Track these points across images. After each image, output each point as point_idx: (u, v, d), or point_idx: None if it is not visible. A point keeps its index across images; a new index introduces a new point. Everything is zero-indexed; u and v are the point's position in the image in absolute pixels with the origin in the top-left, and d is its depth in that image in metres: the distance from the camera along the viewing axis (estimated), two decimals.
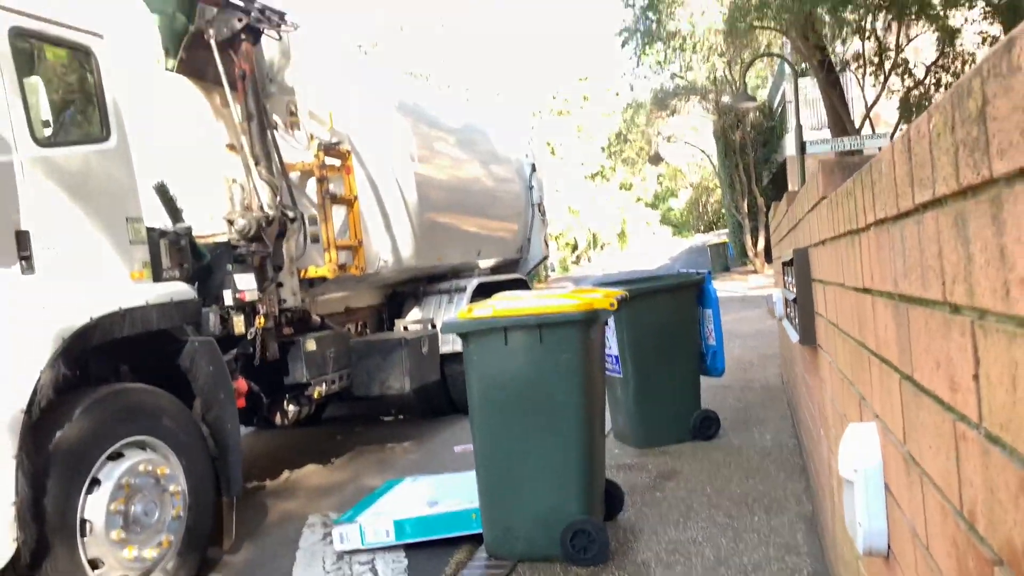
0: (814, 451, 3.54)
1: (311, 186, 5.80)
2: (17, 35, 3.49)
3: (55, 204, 3.53)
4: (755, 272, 24.55)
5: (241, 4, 5.05)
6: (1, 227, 3.28)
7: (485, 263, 8.87)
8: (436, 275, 7.88)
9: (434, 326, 7.04)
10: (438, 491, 4.63)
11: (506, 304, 3.80)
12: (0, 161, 3.31)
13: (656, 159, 33.64)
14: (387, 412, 8.38)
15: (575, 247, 45.35)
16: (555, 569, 3.58)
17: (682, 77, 24.16)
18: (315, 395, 5.71)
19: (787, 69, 18.54)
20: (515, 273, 9.34)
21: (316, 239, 5.71)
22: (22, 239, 3.34)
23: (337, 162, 5.97)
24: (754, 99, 19.32)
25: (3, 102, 3.36)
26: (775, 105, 26.13)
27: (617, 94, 39.40)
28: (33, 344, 3.21)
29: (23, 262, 3.33)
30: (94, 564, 3.38)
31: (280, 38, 5.47)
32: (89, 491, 3.39)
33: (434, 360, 6.74)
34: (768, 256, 20.97)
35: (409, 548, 4.22)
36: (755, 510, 4.07)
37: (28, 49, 3.60)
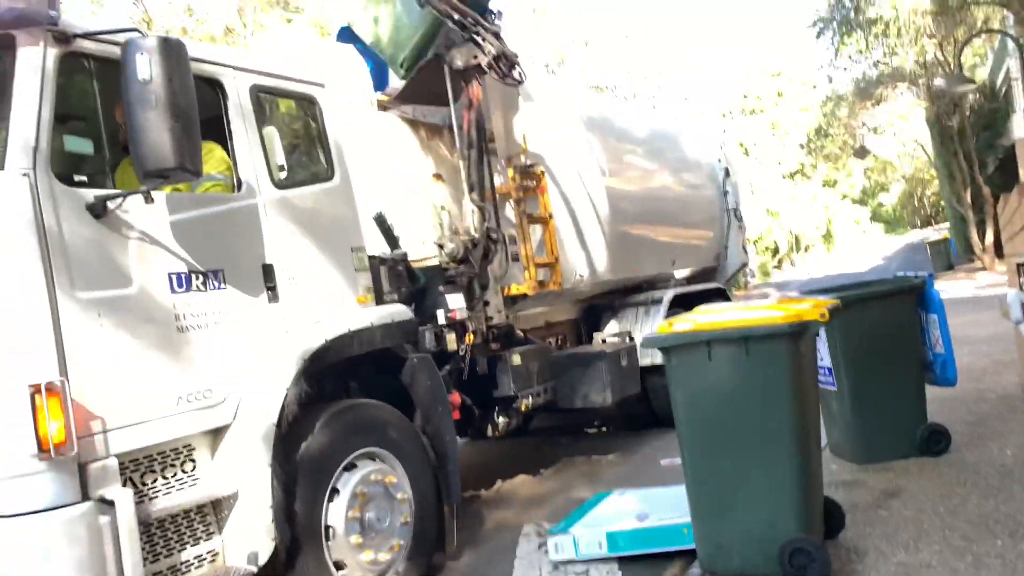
0: None
1: (509, 207, 6.05)
2: (256, 91, 3.97)
3: (292, 239, 3.97)
4: (984, 269, 22.10)
5: (481, 42, 5.29)
6: (250, 262, 3.74)
7: (681, 273, 8.74)
8: (631, 287, 7.88)
9: (632, 338, 7.04)
10: (647, 504, 4.64)
11: (708, 317, 3.75)
12: (248, 204, 3.79)
13: (862, 152, 31.34)
14: (591, 424, 8.47)
15: (776, 251, 43.26)
16: None
17: (887, 64, 22.37)
18: (522, 407, 5.92)
19: (1010, 44, 16.61)
20: (713, 282, 9.11)
21: (516, 258, 5.94)
22: (268, 272, 3.79)
23: (532, 183, 6.19)
24: (972, 81, 17.44)
25: (248, 152, 3.84)
26: (998, 85, 23.49)
27: (814, 87, 37.24)
28: (280, 364, 3.63)
29: (269, 292, 3.78)
30: (338, 566, 3.73)
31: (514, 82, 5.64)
32: (330, 499, 3.75)
33: (634, 372, 6.74)
34: (999, 251, 18.78)
35: (622, 560, 4.26)
36: (998, 533, 3.69)
37: (264, 103, 4.09)
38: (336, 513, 3.73)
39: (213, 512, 3.38)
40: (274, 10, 15.76)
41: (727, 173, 9.76)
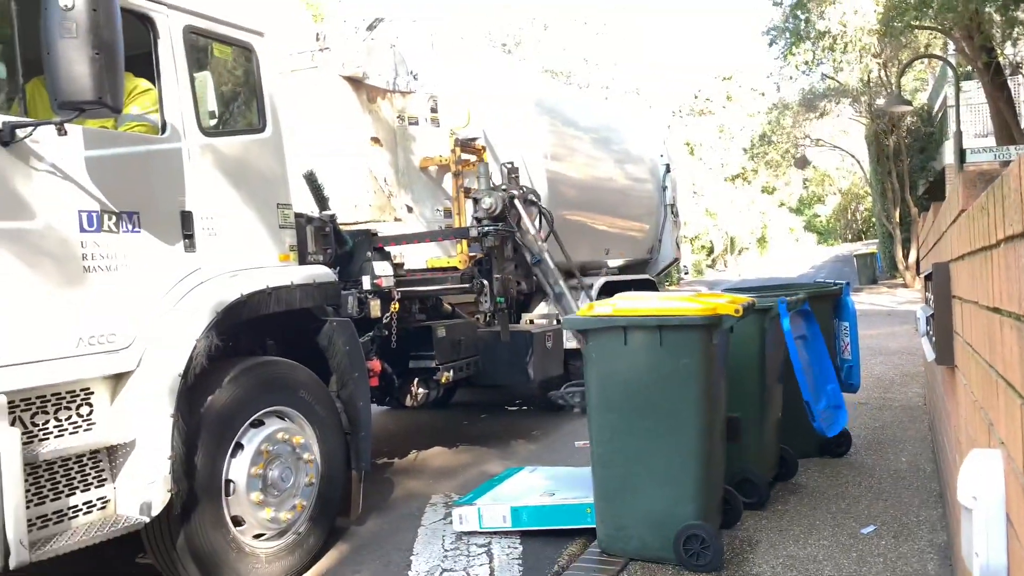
0: (951, 478, 3.34)
1: (447, 180, 6.01)
2: (190, 32, 3.84)
3: (215, 189, 3.86)
4: (905, 286, 23.05)
5: None
6: (168, 208, 3.62)
7: (614, 262, 8.86)
8: (563, 271, 7.93)
9: (559, 321, 7.11)
10: (555, 483, 4.71)
11: (628, 304, 3.81)
12: (171, 148, 3.66)
13: (802, 163, 32.19)
14: (512, 403, 8.54)
15: (711, 251, 44.19)
16: (667, 572, 3.58)
17: (832, 78, 22.97)
18: (443, 380, 5.93)
19: (949, 72, 17.26)
20: (644, 274, 9.26)
21: None
22: (186, 219, 3.68)
23: (472, 157, 6.16)
24: (910, 103, 18.10)
25: (176, 94, 3.71)
26: (935, 110, 24.38)
27: (763, 94, 38.02)
28: (191, 315, 3.54)
29: (186, 240, 3.67)
30: (236, 521, 3.68)
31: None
32: (233, 454, 3.69)
33: (558, 355, 6.81)
34: (919, 269, 19.64)
35: (524, 535, 4.32)
36: (883, 534, 3.89)
37: (198, 46, 3.96)
38: (238, 468, 3.67)
39: (107, 459, 3.29)
40: None
41: (667, 169, 9.91)
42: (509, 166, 5.72)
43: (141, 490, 3.25)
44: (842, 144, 30.39)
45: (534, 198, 5.67)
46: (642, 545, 3.71)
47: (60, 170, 3.16)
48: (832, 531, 3.96)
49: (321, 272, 4.43)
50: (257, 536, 3.78)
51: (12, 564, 2.77)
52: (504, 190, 5.57)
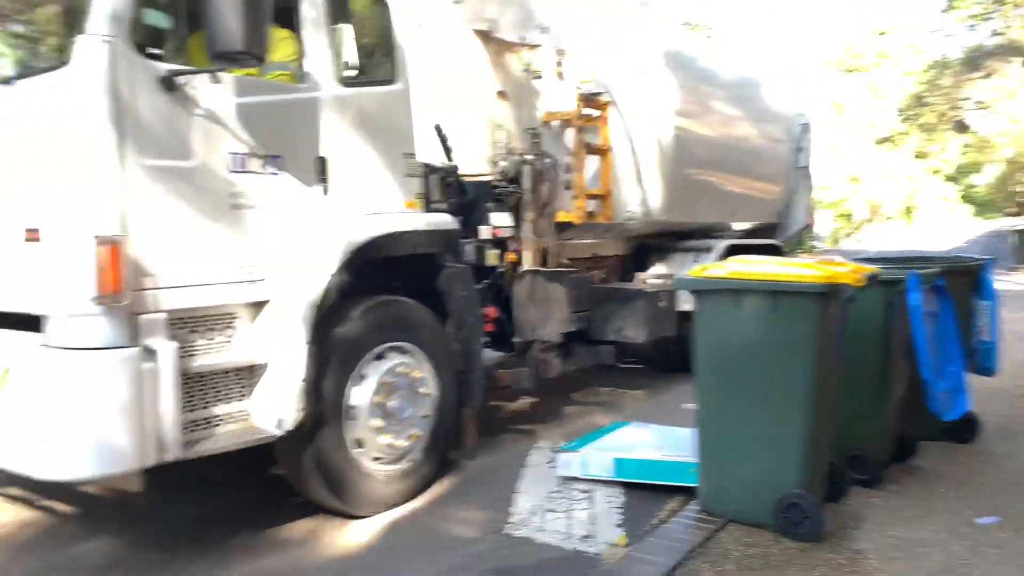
0: None
1: (569, 135, 6.06)
2: None
3: (348, 137, 4.11)
4: None
5: None
6: (306, 153, 3.91)
7: (739, 225, 8.65)
8: (686, 232, 7.85)
9: None
10: (661, 440, 4.78)
11: (742, 267, 3.78)
12: (310, 97, 3.94)
13: (961, 127, 29.77)
14: (625, 360, 8.61)
15: (851, 218, 41.83)
16: (765, 536, 3.59)
17: (1002, 34, 20.98)
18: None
19: None
20: (771, 239, 8.98)
21: (569, 186, 5.99)
22: (322, 164, 3.96)
23: (596, 112, 6.17)
24: None
25: (316, 46, 3.97)
26: None
27: (921, 51, 35.19)
28: (326, 253, 3.84)
29: (321, 184, 3.96)
30: (357, 444, 4.01)
31: None
32: (356, 383, 4.00)
33: (671, 315, 6.79)
34: None
35: (626, 487, 4.43)
36: (1004, 527, 3.69)
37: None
38: (360, 396, 3.98)
39: (247, 377, 3.66)
40: None
41: (806, 129, 9.48)
42: (532, 131, 5.72)
43: (275, 407, 3.61)
44: (1008, 107, 27.83)
45: (549, 166, 5.66)
46: (741, 508, 3.74)
47: (213, 115, 3.48)
48: (947, 518, 3.80)
49: (443, 220, 4.65)
50: (376, 459, 4.10)
51: (168, 458, 3.18)
52: (520, 155, 5.58)
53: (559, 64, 6.01)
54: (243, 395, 3.65)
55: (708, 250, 7.49)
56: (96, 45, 3.10)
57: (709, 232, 8.02)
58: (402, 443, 4.19)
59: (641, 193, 6.75)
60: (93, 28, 3.12)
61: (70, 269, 3.08)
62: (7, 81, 3.38)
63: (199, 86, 3.41)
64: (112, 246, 3.06)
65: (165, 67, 3.33)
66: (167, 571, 3.55)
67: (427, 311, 4.44)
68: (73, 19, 3.33)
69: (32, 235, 3.18)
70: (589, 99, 6.04)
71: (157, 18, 3.63)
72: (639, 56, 6.73)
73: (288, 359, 3.62)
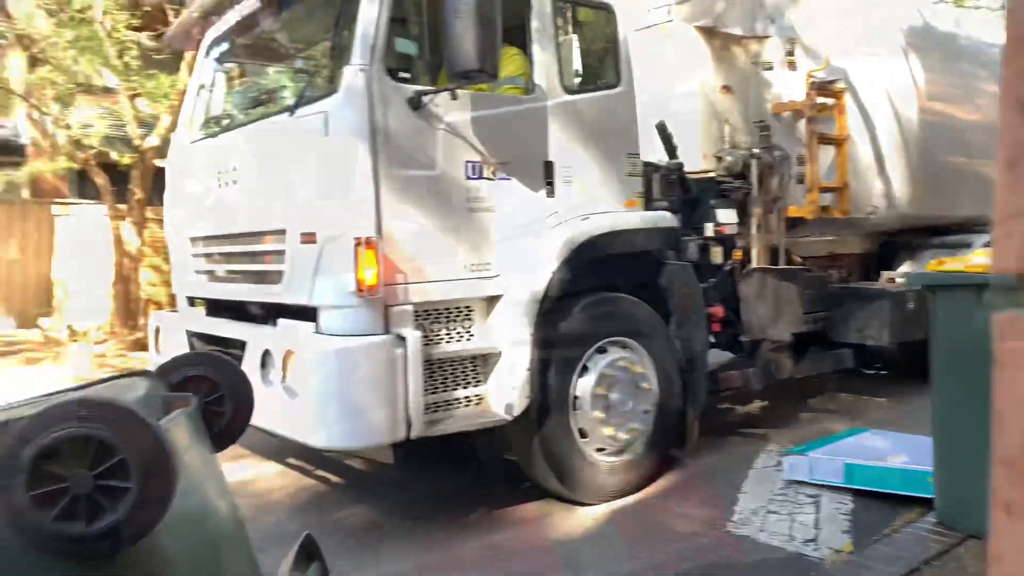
0: None
1: (801, 126, 5.85)
2: (557, 1, 4.34)
3: (573, 141, 4.34)
4: None
5: None
6: (534, 159, 4.20)
7: None
8: (940, 227, 7.18)
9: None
10: (897, 447, 4.49)
11: (985, 260, 3.48)
12: (538, 106, 4.22)
13: None
14: (869, 365, 8.06)
15: None
16: None
17: None
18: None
19: None
20: None
21: (801, 180, 5.78)
22: (548, 168, 4.23)
23: (831, 101, 5.89)
24: None
25: (544, 58, 4.24)
26: None
27: None
28: (549, 251, 4.10)
29: (547, 187, 4.22)
30: (581, 434, 4.22)
31: None
32: (580, 374, 4.21)
33: (922, 317, 6.26)
34: None
35: (856, 494, 4.23)
36: None
37: (564, 11, 4.45)
38: (584, 387, 4.19)
39: (483, 364, 4.02)
40: None
41: None
42: (760, 124, 5.54)
43: (505, 393, 3.92)
44: None
45: (778, 159, 5.38)
46: (984, 524, 3.41)
47: (453, 128, 3.87)
48: None
49: (663, 217, 4.73)
50: (599, 450, 4.28)
51: (412, 435, 3.60)
52: (746, 149, 5.37)
53: (790, 53, 5.82)
54: (479, 381, 4.01)
55: (967, 246, 6.79)
56: (356, 72, 3.60)
57: (968, 226, 7.26)
58: (623, 436, 4.33)
59: (883, 185, 6.33)
60: (355, 59, 3.62)
61: (336, 267, 3.60)
62: (290, 111, 4.00)
63: (440, 103, 3.82)
64: (369, 247, 3.53)
65: (412, 88, 3.77)
66: (411, 538, 4.00)
67: (648, 309, 4.54)
68: (340, 53, 3.88)
69: (308, 238, 3.74)
70: (822, 87, 5.79)
71: (406, 46, 4.11)
72: (878, 38, 6.31)
73: (515, 349, 3.92)
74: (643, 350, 4.46)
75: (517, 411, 3.90)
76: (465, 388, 3.96)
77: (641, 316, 4.51)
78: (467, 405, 3.97)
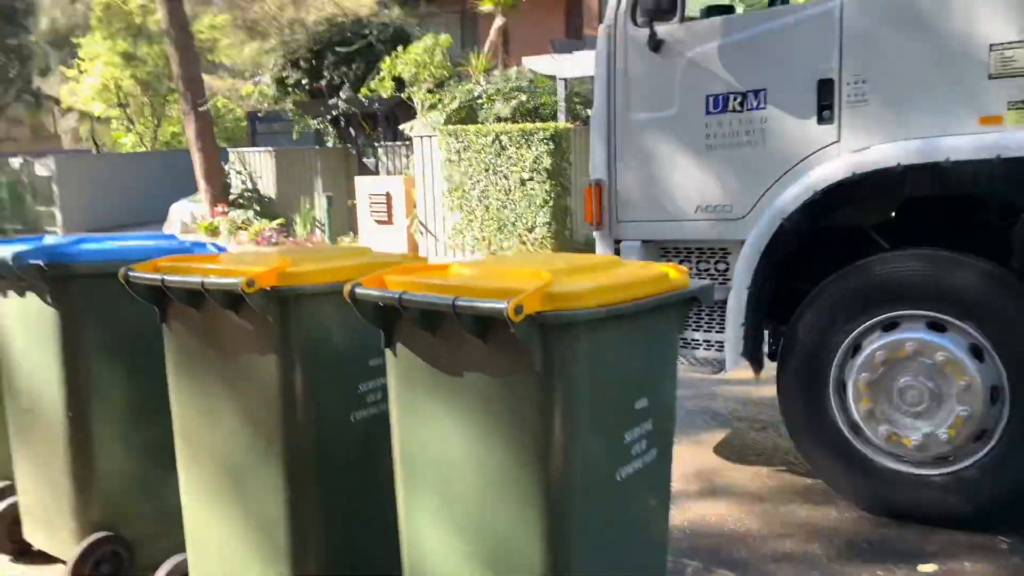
0: None
1: None
2: None
3: (874, 44, 3.23)
4: None
5: None
6: (802, 79, 3.38)
7: None
8: None
9: None
10: None
11: None
12: (818, 11, 3.35)
13: None
14: None
15: None
16: None
17: None
18: None
19: None
20: None
21: None
22: (824, 88, 3.34)
23: None
24: None
25: None
26: None
27: None
28: (790, 193, 3.39)
29: (823, 111, 3.36)
30: (848, 422, 3.41)
31: None
32: (852, 355, 3.35)
33: None
34: None
35: None
36: None
37: None
38: (849, 370, 3.35)
39: (706, 312, 3.78)
40: None
41: None
42: None
43: (728, 346, 3.65)
44: None
45: None
46: None
47: (697, 63, 3.65)
48: None
49: (1012, 140, 2.94)
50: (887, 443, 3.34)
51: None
52: None
53: None
54: (711, 328, 3.81)
55: None
56: (604, 28, 3.90)
57: None
58: (913, 439, 3.23)
59: None
60: (608, 15, 3.90)
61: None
62: None
63: (685, 38, 3.66)
64: (598, 187, 3.94)
65: (655, 29, 3.72)
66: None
67: (986, 269, 3.08)
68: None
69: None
70: None
71: None
72: None
73: (733, 301, 3.56)
74: (975, 332, 3.10)
75: (728, 368, 3.61)
76: (707, 332, 3.85)
77: (968, 283, 3.10)
78: (707, 349, 3.85)
